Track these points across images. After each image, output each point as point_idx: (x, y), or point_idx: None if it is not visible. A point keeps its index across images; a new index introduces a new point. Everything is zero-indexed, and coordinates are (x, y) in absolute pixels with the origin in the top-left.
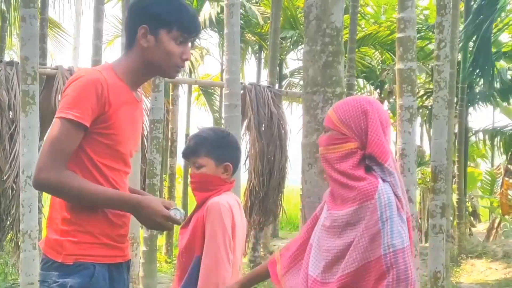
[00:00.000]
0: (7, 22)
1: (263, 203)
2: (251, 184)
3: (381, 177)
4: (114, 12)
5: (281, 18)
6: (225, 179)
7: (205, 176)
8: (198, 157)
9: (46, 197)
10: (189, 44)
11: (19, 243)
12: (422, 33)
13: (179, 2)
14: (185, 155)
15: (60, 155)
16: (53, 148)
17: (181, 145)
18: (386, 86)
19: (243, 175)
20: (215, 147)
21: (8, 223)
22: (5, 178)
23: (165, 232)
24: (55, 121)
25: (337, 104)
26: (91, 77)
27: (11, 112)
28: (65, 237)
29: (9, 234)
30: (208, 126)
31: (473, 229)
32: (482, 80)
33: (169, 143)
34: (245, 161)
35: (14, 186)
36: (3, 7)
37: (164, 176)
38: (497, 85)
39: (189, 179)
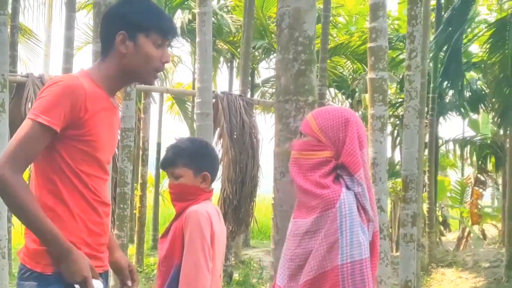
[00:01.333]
0: None
1: (236, 212)
2: (224, 192)
3: (347, 186)
4: (85, 20)
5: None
6: (204, 189)
7: (183, 186)
8: (176, 167)
9: None
10: (167, 47)
11: None
12: (393, 44)
13: (155, 7)
14: (163, 165)
15: (22, 155)
16: (17, 147)
17: (152, 154)
18: (356, 95)
19: (215, 184)
20: (193, 157)
21: None
22: None
23: (136, 241)
24: (25, 121)
25: (318, 111)
26: (68, 82)
27: None
28: (44, 246)
29: None
30: (185, 136)
31: (443, 238)
32: (452, 90)
33: (141, 152)
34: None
35: None
36: None
37: (135, 185)
38: (467, 95)
39: (160, 188)
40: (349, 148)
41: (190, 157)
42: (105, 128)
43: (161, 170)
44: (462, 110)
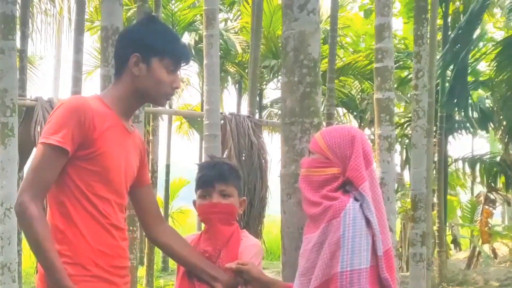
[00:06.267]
0: None
1: None
2: None
3: (355, 198)
4: (95, 44)
5: (264, 47)
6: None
7: (233, 207)
8: (228, 185)
9: None
10: (179, 72)
11: None
12: (402, 63)
13: (170, 32)
14: (214, 179)
15: (40, 181)
16: (33, 173)
17: (161, 176)
18: (367, 115)
19: None
20: (239, 178)
21: None
22: None
23: (145, 263)
24: (37, 147)
25: (325, 130)
26: (73, 102)
27: None
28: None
29: None
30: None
31: (453, 257)
32: (458, 109)
33: (150, 174)
34: None
35: None
36: None
37: None
38: (475, 113)
39: (170, 210)
40: (354, 164)
41: (238, 178)
42: (116, 147)
43: (169, 192)
44: (471, 128)
